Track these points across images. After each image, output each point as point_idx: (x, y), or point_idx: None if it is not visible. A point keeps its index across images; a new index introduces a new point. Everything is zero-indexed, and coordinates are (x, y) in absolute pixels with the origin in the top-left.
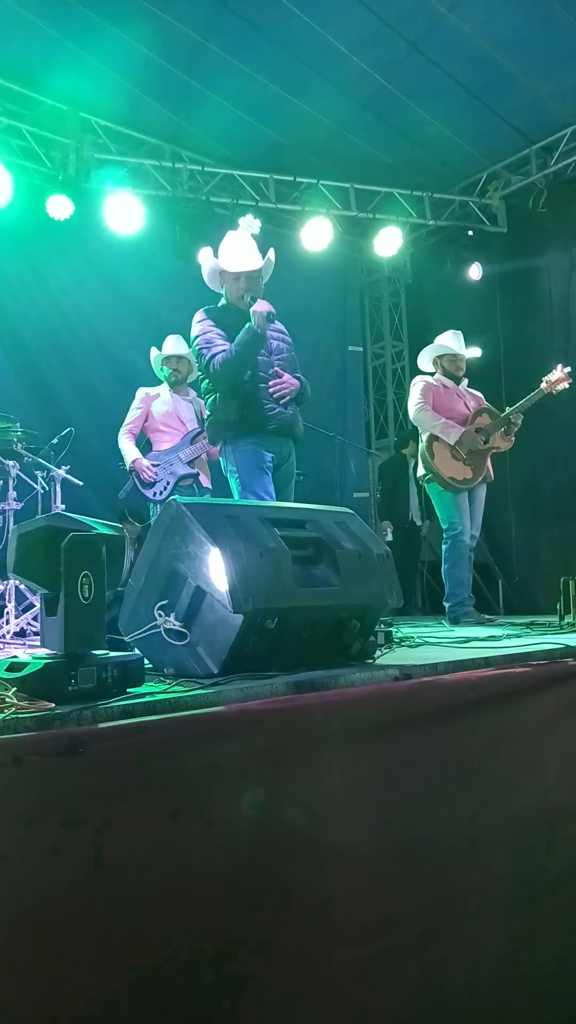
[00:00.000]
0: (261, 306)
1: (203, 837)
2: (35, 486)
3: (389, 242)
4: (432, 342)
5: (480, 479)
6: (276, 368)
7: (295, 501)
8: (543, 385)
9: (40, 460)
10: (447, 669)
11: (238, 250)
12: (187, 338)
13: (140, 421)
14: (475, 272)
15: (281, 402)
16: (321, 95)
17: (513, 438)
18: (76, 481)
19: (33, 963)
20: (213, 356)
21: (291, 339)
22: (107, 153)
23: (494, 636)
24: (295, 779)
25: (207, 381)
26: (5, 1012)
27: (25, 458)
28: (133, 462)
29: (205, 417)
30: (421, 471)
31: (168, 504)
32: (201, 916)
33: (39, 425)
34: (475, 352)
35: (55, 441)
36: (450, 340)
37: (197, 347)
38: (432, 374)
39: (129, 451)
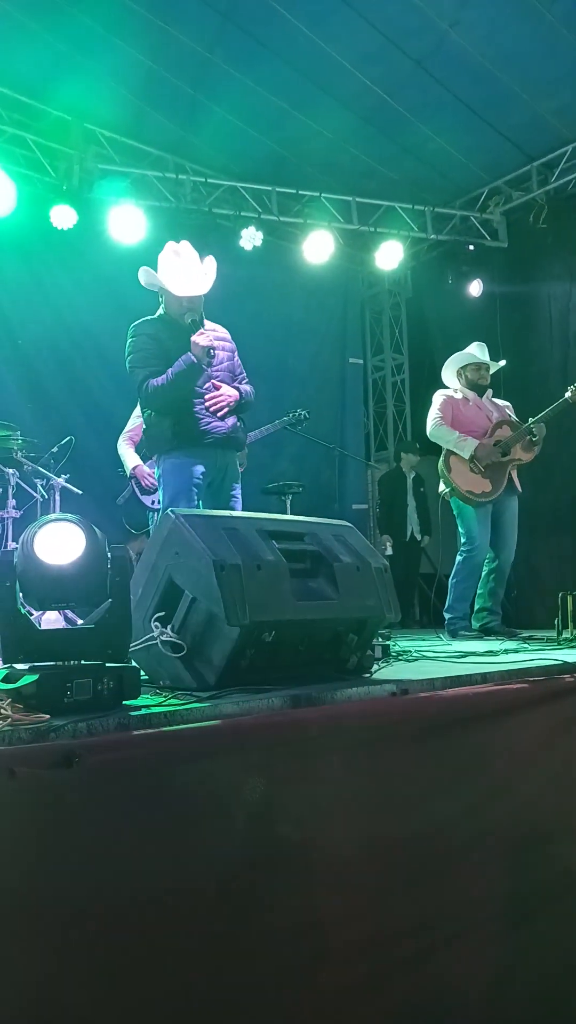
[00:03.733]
0: (203, 339)
1: (196, 851)
2: (34, 494)
3: (390, 256)
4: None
5: (501, 492)
6: (213, 382)
7: (293, 514)
8: (567, 394)
9: (40, 468)
10: (444, 684)
11: (184, 270)
12: None
13: (141, 429)
14: (475, 288)
15: (218, 415)
16: (324, 109)
17: (537, 449)
18: (75, 490)
19: (25, 974)
20: (145, 378)
21: (233, 344)
22: (111, 164)
23: (492, 651)
24: (290, 794)
25: (139, 400)
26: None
27: (25, 466)
28: (134, 468)
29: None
30: (441, 487)
31: (166, 515)
32: (193, 930)
33: (39, 434)
34: (500, 363)
35: (55, 450)
36: (474, 349)
37: (129, 363)
38: (453, 389)
39: (130, 458)
